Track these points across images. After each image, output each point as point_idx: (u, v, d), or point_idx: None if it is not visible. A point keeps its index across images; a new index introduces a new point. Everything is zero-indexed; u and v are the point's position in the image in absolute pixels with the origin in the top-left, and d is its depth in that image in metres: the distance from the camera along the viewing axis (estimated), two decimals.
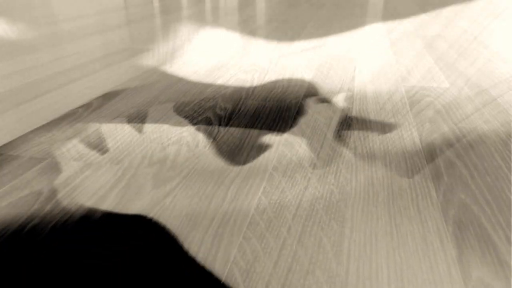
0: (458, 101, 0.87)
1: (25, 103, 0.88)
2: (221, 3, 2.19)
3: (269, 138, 0.71)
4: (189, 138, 0.71)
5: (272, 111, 0.83)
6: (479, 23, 1.77)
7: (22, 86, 0.98)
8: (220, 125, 0.76)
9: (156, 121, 0.78)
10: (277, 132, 0.73)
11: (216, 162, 0.63)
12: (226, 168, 0.61)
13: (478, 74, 1.06)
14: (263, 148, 0.67)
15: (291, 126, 0.75)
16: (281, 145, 0.68)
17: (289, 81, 1.02)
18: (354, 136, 0.71)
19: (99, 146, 0.68)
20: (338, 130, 0.73)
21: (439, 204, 0.52)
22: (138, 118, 0.79)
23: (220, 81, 1.02)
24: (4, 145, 0.70)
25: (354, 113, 0.81)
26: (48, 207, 0.52)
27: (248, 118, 0.79)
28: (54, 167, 0.62)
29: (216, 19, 1.92)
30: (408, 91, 0.93)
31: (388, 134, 0.72)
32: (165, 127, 0.75)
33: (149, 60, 1.23)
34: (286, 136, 0.71)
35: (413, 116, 0.79)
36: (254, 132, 0.73)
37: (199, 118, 0.79)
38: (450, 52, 1.29)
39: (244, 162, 0.63)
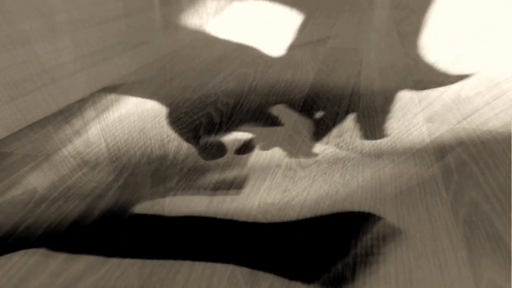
0: (467, 95, 0.87)
1: (19, 97, 0.88)
2: None
3: (272, 134, 0.71)
4: (189, 135, 0.71)
5: (275, 106, 0.82)
6: (489, 13, 1.77)
7: (15, 80, 0.98)
8: (221, 120, 0.76)
9: (155, 117, 0.78)
10: (281, 129, 0.73)
11: (217, 159, 0.63)
12: (228, 165, 0.61)
13: (488, 67, 1.05)
14: (266, 144, 0.67)
15: (295, 123, 0.75)
16: (285, 142, 0.68)
17: (293, 75, 1.02)
18: (361, 132, 0.71)
19: (96, 143, 0.69)
20: (344, 126, 0.73)
21: (449, 203, 0.52)
22: (136, 114, 0.79)
23: (221, 75, 1.02)
24: None
25: (360, 108, 0.81)
26: (43, 206, 0.52)
27: (251, 114, 0.79)
28: (49, 165, 0.62)
29: (217, 11, 1.92)
30: (416, 85, 0.93)
31: (395, 130, 0.71)
32: (165, 123, 0.75)
33: (147, 53, 1.22)
34: (290, 132, 0.71)
35: (421, 111, 0.79)
36: (257, 128, 0.73)
37: (200, 114, 0.79)
38: (460, 44, 1.28)
39: (247, 159, 0.63)
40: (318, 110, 0.80)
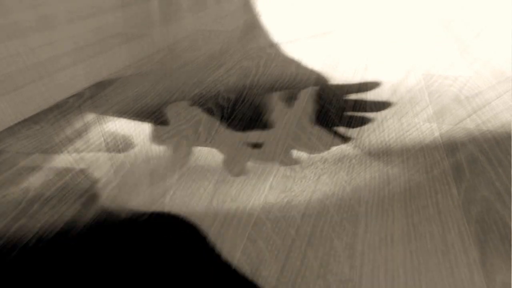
0: (479, 88, 0.86)
1: (11, 92, 0.88)
2: None
3: (275, 131, 0.70)
4: (189, 131, 0.70)
5: (279, 102, 0.82)
6: (503, 4, 1.75)
7: (8, 74, 0.98)
8: (222, 116, 0.76)
9: (153, 112, 0.78)
10: (284, 125, 0.72)
11: (218, 156, 0.63)
12: (229, 163, 0.61)
13: (500, 59, 1.04)
14: (269, 141, 0.67)
15: (299, 118, 0.74)
16: (289, 139, 0.67)
17: (297, 69, 1.01)
18: (368, 128, 0.71)
19: (92, 139, 0.68)
20: (351, 122, 0.73)
21: (460, 202, 0.52)
22: (134, 110, 0.79)
23: (222, 68, 1.01)
24: None
25: (368, 104, 0.80)
26: (36, 206, 0.52)
27: (253, 109, 0.78)
28: (43, 162, 0.62)
29: (218, 2, 1.91)
30: (426, 78, 0.92)
31: (405, 126, 0.71)
32: (163, 118, 0.75)
33: (145, 46, 1.22)
34: (294, 129, 0.71)
35: (432, 106, 0.78)
36: (260, 124, 0.72)
37: (200, 109, 0.79)
38: (470, 36, 1.27)
39: (249, 156, 0.63)
40: (323, 105, 0.80)
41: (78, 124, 0.73)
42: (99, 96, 0.85)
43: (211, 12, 1.70)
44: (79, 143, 0.67)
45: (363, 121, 0.73)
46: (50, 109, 0.79)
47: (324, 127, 0.71)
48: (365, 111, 0.77)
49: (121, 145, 0.66)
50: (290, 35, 1.32)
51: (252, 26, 1.45)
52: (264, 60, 1.07)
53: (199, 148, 0.65)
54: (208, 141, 0.67)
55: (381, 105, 0.79)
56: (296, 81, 0.92)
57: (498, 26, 1.40)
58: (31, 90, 0.89)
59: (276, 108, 0.79)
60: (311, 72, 0.98)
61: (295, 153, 0.63)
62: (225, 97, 0.84)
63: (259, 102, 0.81)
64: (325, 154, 0.63)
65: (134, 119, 0.75)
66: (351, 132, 0.69)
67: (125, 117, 0.75)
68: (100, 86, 0.91)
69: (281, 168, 0.59)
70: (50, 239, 0.46)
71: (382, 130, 0.70)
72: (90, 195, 0.54)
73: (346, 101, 0.81)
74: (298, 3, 1.87)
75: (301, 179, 0.57)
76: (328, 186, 0.55)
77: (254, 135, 0.69)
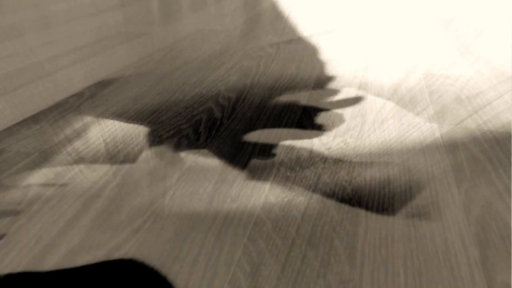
0: (480, 87, 0.86)
1: (10, 92, 0.88)
2: None
3: (276, 130, 0.70)
4: (189, 131, 0.70)
5: (279, 101, 0.82)
6: (504, 3, 1.75)
7: (7, 74, 0.98)
8: (223, 116, 0.76)
9: (153, 112, 0.78)
10: (285, 124, 0.72)
11: (219, 156, 0.63)
12: (230, 163, 0.61)
13: (500, 59, 1.04)
14: (269, 141, 0.67)
15: (300, 118, 0.75)
16: (290, 138, 0.68)
17: (298, 68, 1.01)
18: (369, 128, 0.71)
19: (92, 139, 0.68)
20: (352, 122, 0.73)
21: (461, 202, 0.52)
22: (134, 109, 0.79)
23: (223, 68, 1.02)
24: None
25: (368, 103, 0.80)
26: (36, 206, 0.52)
27: (254, 109, 0.78)
28: (43, 162, 0.62)
29: (218, 1, 1.91)
30: (426, 78, 0.93)
31: (405, 126, 0.71)
32: (163, 118, 0.75)
33: (145, 45, 1.22)
34: (294, 129, 0.71)
35: (432, 106, 0.78)
36: (260, 124, 0.73)
37: (200, 109, 0.79)
38: (471, 36, 1.27)
39: (249, 156, 0.63)
40: (324, 104, 0.80)
41: (77, 124, 0.73)
42: (98, 96, 0.85)
43: (211, 11, 1.70)
44: (78, 143, 0.67)
45: (363, 121, 0.73)
46: (50, 109, 0.80)
47: (325, 127, 0.71)
48: (366, 112, 0.77)
49: (121, 145, 0.66)
50: (290, 35, 1.32)
51: (252, 25, 1.46)
52: (264, 60, 1.07)
53: (199, 148, 0.65)
54: (208, 141, 0.67)
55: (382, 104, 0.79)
56: (296, 81, 0.92)
57: (499, 26, 1.41)
58: (30, 90, 0.89)
59: (276, 107, 0.79)
60: (311, 72, 0.98)
61: (296, 153, 0.63)
62: (225, 97, 0.84)
63: (260, 102, 0.81)
64: (326, 154, 0.63)
65: (133, 119, 0.75)
66: (352, 132, 0.69)
67: (124, 117, 0.76)
68: (100, 86, 0.91)
69: (281, 168, 0.60)
70: (49, 240, 0.46)
71: (382, 130, 0.70)
72: (90, 195, 0.54)
73: (347, 100, 0.81)
74: (298, 3, 1.87)
75: (301, 179, 0.57)
76: (329, 186, 0.55)
77: (254, 135, 0.69)
